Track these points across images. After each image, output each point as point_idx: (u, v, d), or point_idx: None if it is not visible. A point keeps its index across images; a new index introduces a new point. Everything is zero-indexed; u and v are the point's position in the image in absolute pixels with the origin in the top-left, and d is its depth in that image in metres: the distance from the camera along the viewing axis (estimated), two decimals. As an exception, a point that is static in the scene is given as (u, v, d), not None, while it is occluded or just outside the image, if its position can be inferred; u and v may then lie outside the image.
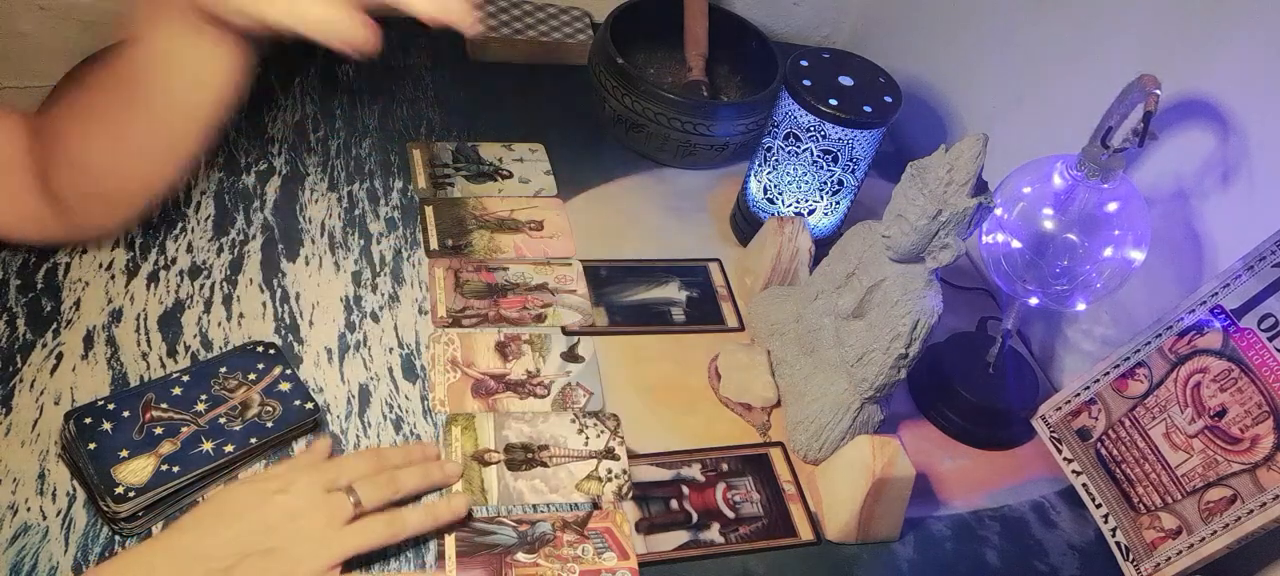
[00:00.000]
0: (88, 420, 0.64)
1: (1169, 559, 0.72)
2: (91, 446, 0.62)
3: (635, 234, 0.94)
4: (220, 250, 0.81)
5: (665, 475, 0.74)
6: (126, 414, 0.65)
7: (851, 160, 0.86)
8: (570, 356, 0.80)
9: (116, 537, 0.61)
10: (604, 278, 0.88)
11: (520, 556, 0.65)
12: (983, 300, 0.97)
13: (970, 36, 1.07)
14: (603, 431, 0.75)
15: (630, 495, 0.71)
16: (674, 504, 0.72)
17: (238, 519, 0.58)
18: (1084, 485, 0.80)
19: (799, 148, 0.86)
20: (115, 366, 0.70)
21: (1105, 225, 0.71)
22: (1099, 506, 0.79)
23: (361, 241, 0.85)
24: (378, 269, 0.83)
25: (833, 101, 0.82)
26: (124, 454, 0.62)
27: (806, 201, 0.90)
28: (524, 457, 0.71)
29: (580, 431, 0.74)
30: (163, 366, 0.71)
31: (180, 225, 0.82)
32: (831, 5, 1.28)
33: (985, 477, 0.82)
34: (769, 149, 0.90)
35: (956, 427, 0.84)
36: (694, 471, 0.75)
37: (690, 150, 1.00)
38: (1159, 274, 0.81)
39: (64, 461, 0.64)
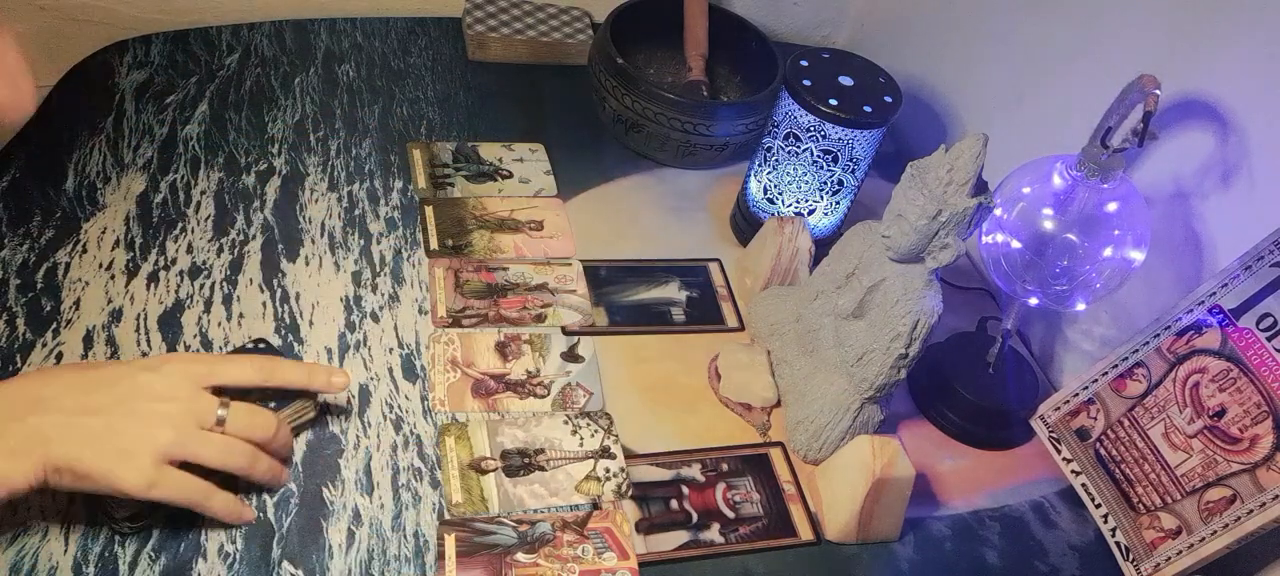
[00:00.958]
0: None
1: (1169, 559, 0.72)
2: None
3: (635, 234, 0.94)
4: (220, 250, 0.81)
5: (665, 475, 0.74)
6: None
7: (851, 160, 0.86)
8: (570, 356, 0.80)
9: (116, 537, 0.61)
10: (604, 278, 0.88)
11: (520, 556, 0.65)
12: (983, 300, 0.97)
13: (970, 36, 1.07)
14: (597, 431, 0.75)
15: (629, 493, 0.71)
16: (674, 504, 0.72)
17: (91, 380, 0.57)
18: (1083, 485, 0.80)
19: (799, 148, 0.86)
20: (115, 366, 0.70)
21: (1105, 225, 0.71)
22: (1098, 506, 0.79)
23: (361, 241, 0.85)
24: (378, 269, 0.83)
25: (833, 101, 0.82)
26: None
27: (806, 201, 0.90)
28: (521, 463, 0.71)
29: (574, 432, 0.74)
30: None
31: (180, 225, 0.82)
32: (831, 5, 1.28)
33: (985, 477, 0.82)
34: (769, 149, 0.90)
35: (956, 427, 0.84)
36: (694, 471, 0.75)
37: (690, 150, 1.00)
38: (1159, 274, 0.81)
39: None
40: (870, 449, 0.71)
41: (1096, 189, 0.70)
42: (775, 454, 0.78)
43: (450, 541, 0.65)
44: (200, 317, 0.75)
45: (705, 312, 0.88)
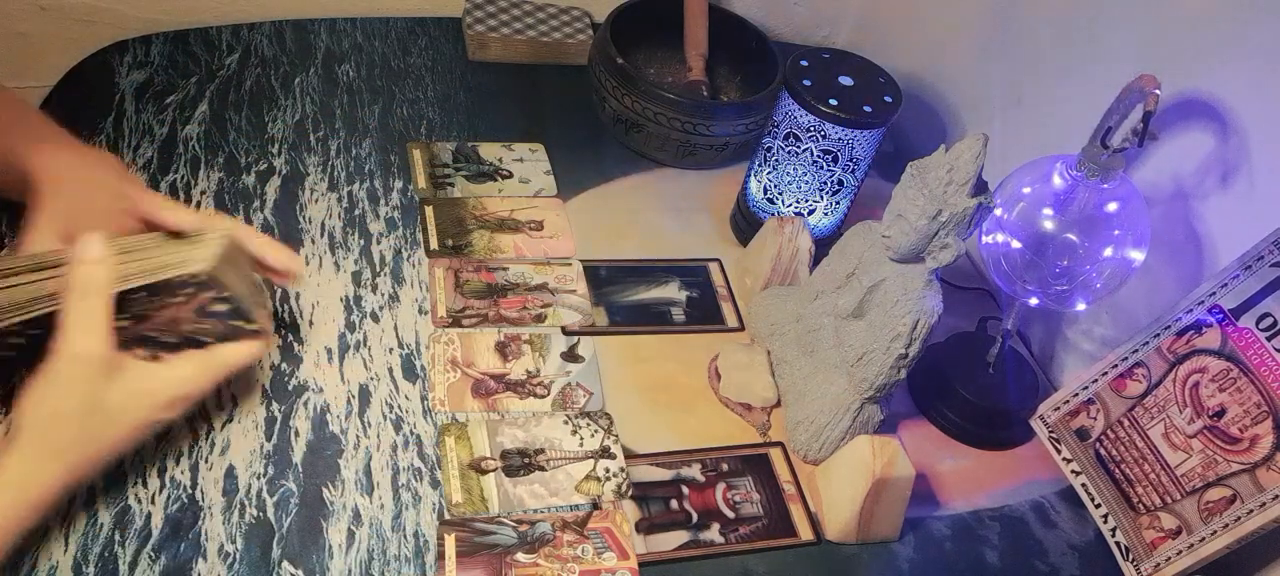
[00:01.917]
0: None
1: (1169, 559, 0.72)
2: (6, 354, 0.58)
3: (635, 234, 0.94)
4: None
5: (665, 475, 0.74)
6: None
7: (851, 160, 0.86)
8: (570, 356, 0.80)
9: (117, 537, 0.61)
10: (604, 278, 0.88)
11: (520, 556, 0.65)
12: (983, 300, 0.97)
13: (970, 36, 1.07)
14: (597, 430, 0.75)
15: (629, 493, 0.71)
16: (674, 504, 0.72)
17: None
18: (1083, 485, 0.80)
19: (799, 148, 0.86)
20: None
21: (1105, 225, 0.71)
22: (1098, 506, 0.79)
23: (361, 241, 0.85)
24: (378, 269, 0.83)
25: (833, 101, 0.82)
26: None
27: (806, 201, 0.90)
28: (521, 463, 0.71)
29: (574, 432, 0.74)
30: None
31: (180, 225, 0.82)
32: (831, 5, 1.28)
33: (985, 477, 0.82)
34: (769, 149, 0.90)
35: (956, 427, 0.84)
36: (694, 471, 0.75)
37: (690, 150, 1.00)
38: (1159, 274, 0.81)
39: None
40: (870, 449, 0.71)
41: (1096, 189, 0.70)
42: (775, 454, 0.78)
43: (450, 541, 0.65)
44: (200, 317, 0.75)
45: (705, 312, 0.88)
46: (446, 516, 0.67)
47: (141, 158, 0.86)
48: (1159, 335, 0.75)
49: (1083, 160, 0.70)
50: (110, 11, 1.03)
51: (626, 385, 0.80)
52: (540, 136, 1.01)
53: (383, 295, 0.81)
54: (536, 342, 0.81)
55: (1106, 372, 0.79)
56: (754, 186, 0.93)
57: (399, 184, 0.92)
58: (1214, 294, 0.72)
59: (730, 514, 0.73)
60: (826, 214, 0.91)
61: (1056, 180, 0.72)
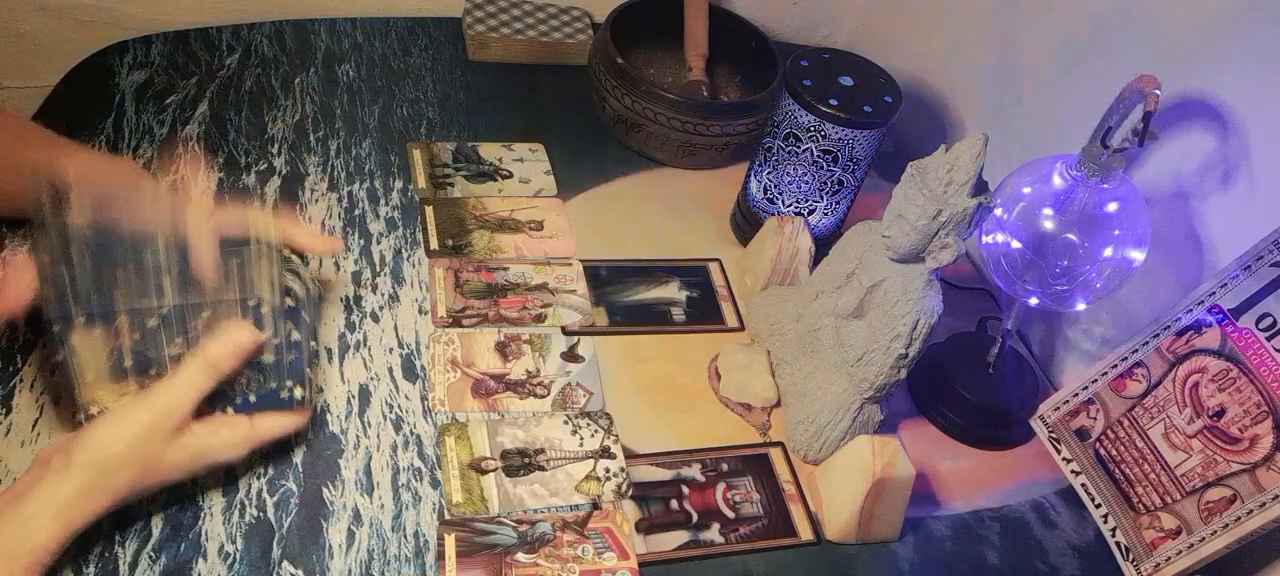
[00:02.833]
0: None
1: (1169, 559, 0.72)
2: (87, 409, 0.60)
3: (635, 234, 0.94)
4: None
5: (665, 475, 0.74)
6: (102, 328, 0.61)
7: (851, 160, 0.86)
8: (570, 356, 0.80)
9: (117, 537, 0.61)
10: (604, 277, 0.88)
11: (520, 556, 0.66)
12: (983, 300, 0.97)
13: (970, 36, 1.07)
14: (597, 431, 0.75)
15: (629, 493, 0.71)
16: (674, 504, 0.72)
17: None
18: (1083, 485, 0.80)
19: (799, 148, 0.86)
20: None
21: (1105, 225, 0.71)
22: (1098, 506, 0.79)
23: (361, 241, 0.85)
24: (378, 269, 0.83)
25: (833, 101, 0.82)
26: (90, 377, 0.60)
27: (806, 201, 0.90)
28: (521, 463, 0.71)
29: (574, 432, 0.74)
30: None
31: (180, 225, 0.82)
32: (831, 5, 1.28)
33: (985, 477, 0.82)
34: (769, 149, 0.90)
35: (956, 427, 0.84)
36: (694, 471, 0.75)
37: (690, 150, 1.00)
38: (1159, 274, 0.81)
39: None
40: (870, 449, 0.71)
41: (1097, 189, 0.70)
42: (775, 454, 0.78)
43: (450, 541, 0.65)
44: (200, 317, 0.75)
45: (705, 312, 0.88)
46: (446, 516, 0.67)
47: (141, 158, 0.86)
48: (1159, 335, 0.75)
49: (1083, 160, 0.70)
50: (110, 11, 1.03)
51: (626, 385, 0.80)
52: (540, 136, 1.01)
53: (383, 295, 0.81)
54: (536, 342, 0.81)
55: (1106, 373, 0.79)
56: (754, 186, 0.93)
57: (399, 184, 0.92)
58: (1214, 294, 0.72)
59: (730, 514, 0.73)
60: (826, 214, 0.91)
61: (1056, 180, 0.72)
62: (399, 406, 0.73)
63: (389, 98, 1.01)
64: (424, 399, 0.74)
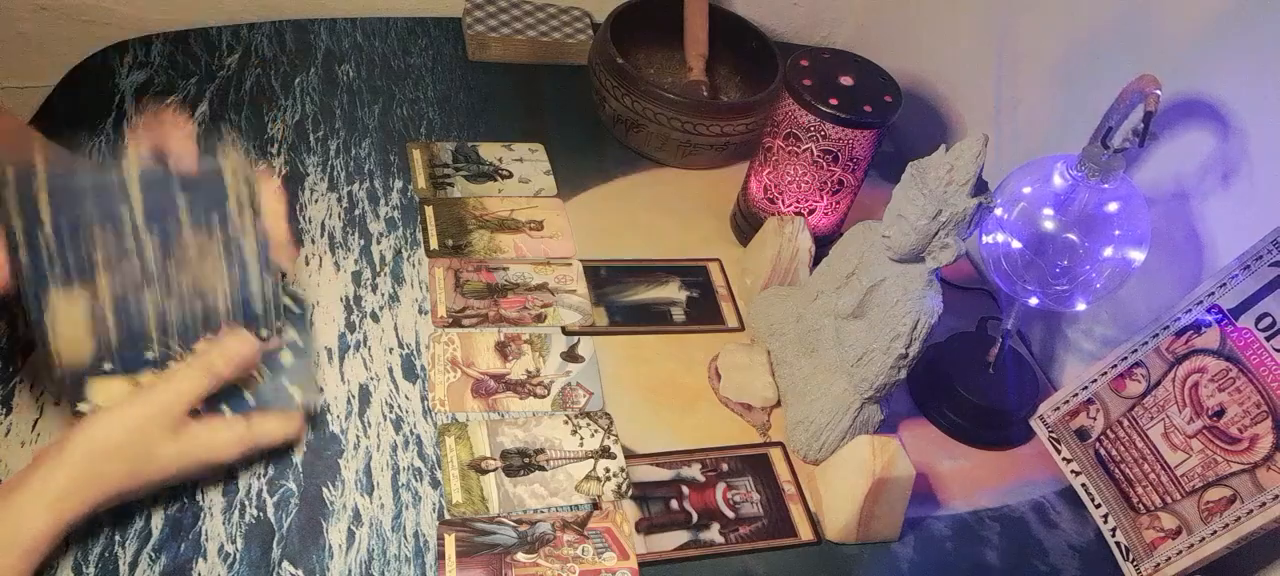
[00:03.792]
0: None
1: (1169, 559, 0.72)
2: (58, 375, 0.60)
3: (635, 234, 0.94)
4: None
5: (665, 475, 0.74)
6: (108, 365, 0.61)
7: (851, 160, 0.86)
8: (570, 356, 0.80)
9: (117, 537, 0.61)
10: (604, 278, 0.88)
11: (520, 556, 0.66)
12: (983, 300, 0.97)
13: (970, 36, 1.07)
14: (597, 430, 0.75)
15: (629, 493, 0.71)
16: (674, 504, 0.72)
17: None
18: (1083, 485, 0.80)
19: (799, 148, 0.86)
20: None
21: (1105, 225, 0.71)
22: (1098, 506, 0.79)
23: (361, 241, 0.85)
24: (378, 269, 0.83)
25: (833, 101, 0.82)
26: (108, 366, 0.60)
27: (806, 201, 0.90)
28: (521, 463, 0.71)
29: (574, 432, 0.74)
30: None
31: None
32: (831, 5, 1.28)
33: (985, 477, 0.82)
34: (769, 149, 0.90)
35: (956, 427, 0.84)
36: (694, 471, 0.75)
37: (690, 150, 1.00)
38: (1159, 274, 0.81)
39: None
40: (870, 449, 0.71)
41: (1097, 189, 0.70)
42: (775, 454, 0.78)
43: (450, 541, 0.65)
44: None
45: (705, 312, 0.88)
46: (446, 516, 0.67)
47: (141, 158, 0.86)
48: (1158, 335, 0.75)
49: (1083, 160, 0.70)
50: (110, 11, 1.03)
51: (626, 385, 0.80)
52: (540, 136, 1.01)
53: (383, 295, 0.81)
54: (536, 343, 0.81)
55: (1106, 373, 0.79)
56: (754, 186, 0.93)
57: (399, 184, 0.92)
58: (1213, 294, 0.72)
59: (730, 514, 0.73)
60: (826, 214, 0.91)
61: (1057, 180, 0.72)
62: (399, 406, 0.73)
63: (389, 98, 1.01)
64: (424, 399, 0.74)
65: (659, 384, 0.81)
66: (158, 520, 0.63)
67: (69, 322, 0.59)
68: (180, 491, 0.64)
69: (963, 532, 0.77)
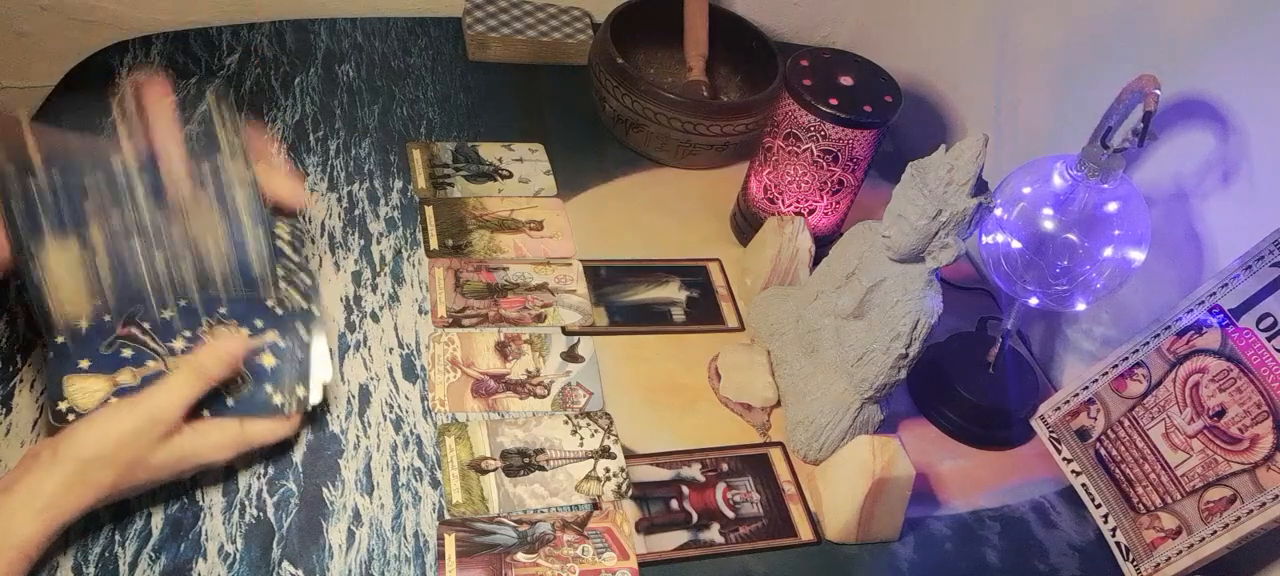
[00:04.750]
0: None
1: (1169, 559, 0.72)
2: (59, 338, 0.60)
3: (635, 234, 0.94)
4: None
5: (665, 475, 0.74)
6: (107, 317, 0.61)
7: (851, 160, 0.86)
8: (570, 356, 0.80)
9: (117, 537, 0.61)
10: (604, 278, 0.88)
11: (520, 556, 0.65)
12: (983, 300, 0.97)
13: (970, 36, 1.07)
14: (597, 430, 0.75)
15: (629, 493, 0.71)
16: (674, 504, 0.72)
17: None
18: (1083, 485, 0.80)
19: (799, 148, 0.86)
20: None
21: (1105, 225, 0.71)
22: (1099, 506, 0.79)
23: (361, 241, 0.85)
24: (378, 269, 0.83)
25: (833, 101, 0.82)
26: (84, 364, 0.60)
27: (806, 201, 0.90)
28: (521, 463, 0.71)
29: (574, 432, 0.74)
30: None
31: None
32: (831, 5, 1.28)
33: (985, 477, 0.82)
34: (769, 149, 0.90)
35: (956, 427, 0.84)
36: (694, 471, 0.75)
37: (690, 150, 1.00)
38: (1159, 274, 0.81)
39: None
40: (870, 449, 0.71)
41: (1097, 189, 0.70)
42: (775, 454, 0.78)
43: (450, 541, 0.65)
44: (200, 317, 0.75)
45: (705, 312, 0.88)
46: (446, 516, 0.67)
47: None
48: (1159, 335, 0.75)
49: (1083, 160, 0.70)
50: (110, 11, 1.03)
51: (626, 385, 0.80)
52: (540, 136, 1.01)
53: (383, 295, 0.81)
54: (536, 343, 0.81)
55: (1106, 373, 0.79)
56: (754, 186, 0.93)
57: (399, 184, 0.92)
58: (1214, 294, 0.72)
59: (730, 514, 0.73)
60: (826, 214, 0.91)
61: (1057, 180, 0.72)
62: (399, 406, 0.73)
63: (389, 98, 1.01)
64: (424, 399, 0.74)
65: (659, 384, 0.81)
66: (158, 520, 0.62)
67: (65, 276, 0.58)
68: (180, 491, 0.64)
69: (963, 532, 0.77)
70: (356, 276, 0.82)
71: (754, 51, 1.07)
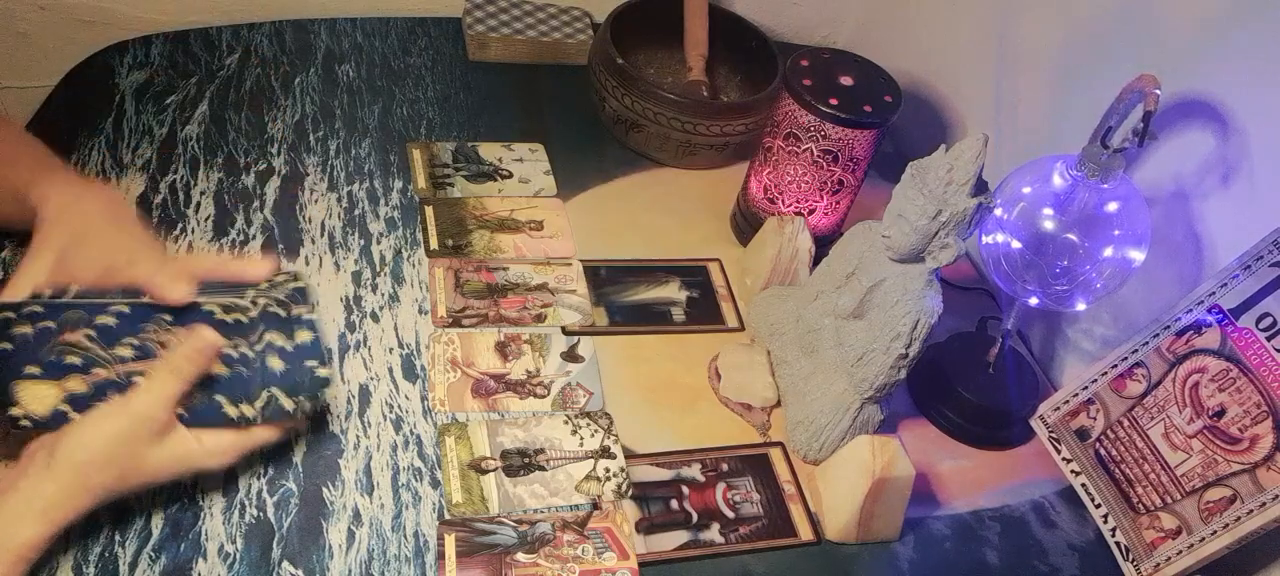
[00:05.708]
0: (8, 314, 0.58)
1: (1169, 559, 0.72)
2: (3, 345, 0.59)
3: (635, 234, 0.94)
4: (220, 250, 0.81)
5: (665, 475, 0.74)
6: (50, 324, 0.59)
7: (851, 160, 0.86)
8: (570, 356, 0.80)
9: (117, 537, 0.61)
10: (604, 278, 0.88)
11: (520, 556, 0.65)
12: (983, 300, 0.97)
13: (970, 36, 1.07)
14: (597, 430, 0.75)
15: (629, 493, 0.71)
16: (674, 504, 0.72)
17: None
18: (1083, 485, 0.80)
19: (799, 148, 0.86)
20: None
21: (1105, 225, 0.71)
22: (1098, 506, 0.79)
23: (361, 241, 0.85)
24: (378, 269, 0.83)
25: (833, 101, 0.82)
26: (33, 370, 0.59)
27: (806, 201, 0.90)
28: (521, 463, 0.71)
29: (574, 432, 0.74)
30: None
31: (180, 225, 0.82)
32: (831, 5, 1.28)
33: (985, 477, 0.82)
34: (769, 149, 0.90)
35: (956, 427, 0.84)
36: (694, 471, 0.75)
37: (690, 150, 1.00)
38: (1159, 274, 0.81)
39: None
40: (870, 449, 0.71)
41: (1097, 189, 0.70)
42: (775, 454, 0.78)
43: (450, 541, 0.65)
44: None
45: (705, 312, 0.88)
46: (446, 516, 0.67)
47: (140, 158, 0.86)
48: (1159, 335, 0.75)
49: (1083, 160, 0.70)
50: (110, 11, 1.03)
51: (626, 385, 0.80)
52: (540, 136, 1.01)
53: (383, 295, 0.81)
54: (536, 343, 0.81)
55: (1106, 373, 0.79)
56: (754, 186, 0.93)
57: (399, 184, 0.92)
58: (1214, 294, 0.72)
59: (730, 514, 0.73)
60: (826, 214, 0.91)
61: (1057, 180, 0.72)
62: (399, 406, 0.73)
63: (389, 98, 1.01)
64: (424, 399, 0.74)
65: (659, 384, 0.81)
66: (158, 520, 0.63)
67: (34, 400, 0.59)
68: (180, 491, 0.64)
69: (963, 532, 0.77)
70: (356, 276, 0.82)
71: (754, 51, 1.07)
